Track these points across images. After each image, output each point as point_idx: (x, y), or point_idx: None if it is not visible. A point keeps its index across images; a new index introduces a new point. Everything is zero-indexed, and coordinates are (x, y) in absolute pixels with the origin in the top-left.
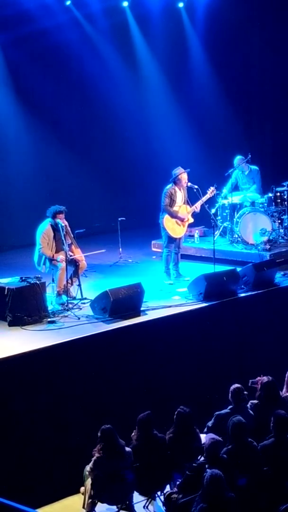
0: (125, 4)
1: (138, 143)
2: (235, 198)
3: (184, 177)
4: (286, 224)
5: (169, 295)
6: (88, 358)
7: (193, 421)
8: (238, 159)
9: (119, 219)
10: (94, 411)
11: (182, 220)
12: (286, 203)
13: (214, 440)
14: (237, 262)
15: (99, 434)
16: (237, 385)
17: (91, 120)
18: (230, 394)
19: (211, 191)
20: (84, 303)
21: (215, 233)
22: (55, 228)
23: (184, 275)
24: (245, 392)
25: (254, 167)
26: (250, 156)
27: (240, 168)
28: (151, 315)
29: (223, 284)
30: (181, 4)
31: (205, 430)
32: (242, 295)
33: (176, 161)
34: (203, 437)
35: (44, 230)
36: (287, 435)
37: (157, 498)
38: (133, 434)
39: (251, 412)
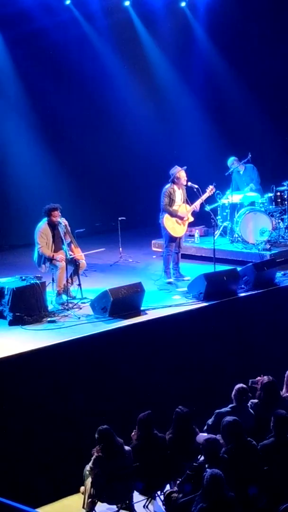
0: (127, 3)
1: (139, 143)
2: (235, 198)
3: (182, 175)
4: (286, 223)
5: (169, 295)
6: (88, 358)
7: (191, 420)
8: (231, 160)
9: (119, 218)
10: (94, 410)
11: (182, 219)
12: (286, 202)
13: (210, 439)
14: (237, 262)
15: (96, 435)
16: (242, 385)
17: (92, 120)
18: (234, 393)
19: (210, 190)
20: (84, 303)
21: (215, 232)
22: (52, 227)
23: (184, 274)
24: (250, 394)
25: (248, 165)
26: (250, 156)
27: (235, 169)
28: (151, 315)
29: (223, 284)
30: (183, 4)
31: (205, 428)
32: (242, 294)
33: (176, 161)
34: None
35: (41, 229)
36: (287, 435)
37: (157, 498)
38: (133, 433)
39: (251, 411)
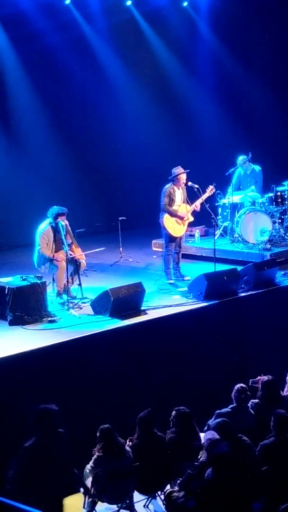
0: (129, 3)
1: (140, 143)
2: (236, 198)
3: (182, 177)
4: (286, 223)
5: (169, 295)
6: (88, 358)
7: (192, 419)
8: (242, 158)
9: (120, 218)
10: (94, 410)
11: (181, 218)
12: (286, 202)
13: (212, 439)
14: (237, 262)
15: (98, 433)
16: (241, 384)
17: (92, 119)
18: (233, 393)
19: (210, 190)
20: (84, 303)
21: (216, 232)
22: (55, 229)
23: (185, 274)
24: (248, 393)
25: (257, 167)
26: (250, 155)
27: (243, 168)
28: (151, 315)
29: (224, 284)
30: (185, 3)
31: (205, 428)
32: (243, 294)
33: (176, 161)
34: (203, 436)
35: (44, 231)
36: (287, 435)
37: (157, 497)
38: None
39: (251, 411)
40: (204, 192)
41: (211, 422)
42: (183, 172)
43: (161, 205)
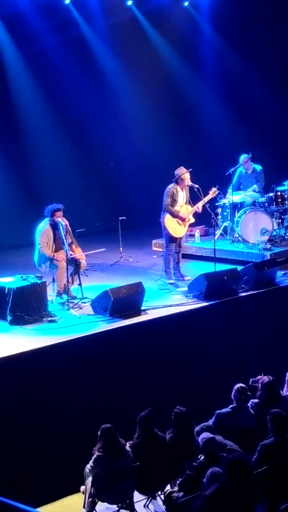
0: (129, 3)
1: (139, 143)
2: (236, 198)
3: (186, 177)
4: (286, 223)
5: (169, 295)
6: (88, 357)
7: (191, 420)
8: (244, 157)
9: (120, 218)
10: (94, 410)
11: (183, 220)
12: (286, 202)
13: (206, 439)
14: (238, 262)
15: (99, 433)
16: (241, 384)
17: (92, 119)
18: (233, 393)
19: (213, 192)
20: (84, 302)
21: (216, 232)
22: (54, 227)
23: (185, 274)
24: (248, 393)
25: (258, 166)
26: (251, 154)
27: (244, 167)
28: (151, 315)
29: (224, 284)
30: (186, 3)
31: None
32: (243, 294)
33: (177, 161)
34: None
35: (43, 229)
36: (286, 433)
37: (157, 497)
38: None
39: (251, 411)
40: (206, 194)
41: (211, 422)
42: (187, 172)
43: (163, 205)
